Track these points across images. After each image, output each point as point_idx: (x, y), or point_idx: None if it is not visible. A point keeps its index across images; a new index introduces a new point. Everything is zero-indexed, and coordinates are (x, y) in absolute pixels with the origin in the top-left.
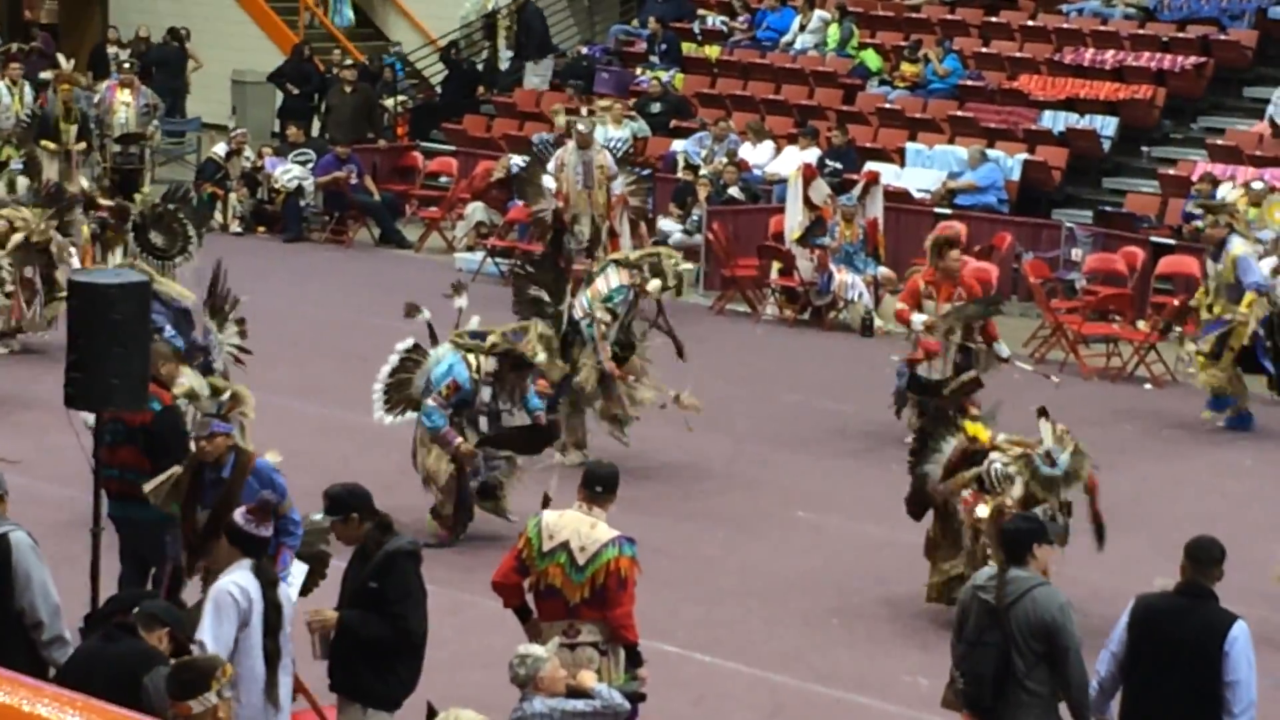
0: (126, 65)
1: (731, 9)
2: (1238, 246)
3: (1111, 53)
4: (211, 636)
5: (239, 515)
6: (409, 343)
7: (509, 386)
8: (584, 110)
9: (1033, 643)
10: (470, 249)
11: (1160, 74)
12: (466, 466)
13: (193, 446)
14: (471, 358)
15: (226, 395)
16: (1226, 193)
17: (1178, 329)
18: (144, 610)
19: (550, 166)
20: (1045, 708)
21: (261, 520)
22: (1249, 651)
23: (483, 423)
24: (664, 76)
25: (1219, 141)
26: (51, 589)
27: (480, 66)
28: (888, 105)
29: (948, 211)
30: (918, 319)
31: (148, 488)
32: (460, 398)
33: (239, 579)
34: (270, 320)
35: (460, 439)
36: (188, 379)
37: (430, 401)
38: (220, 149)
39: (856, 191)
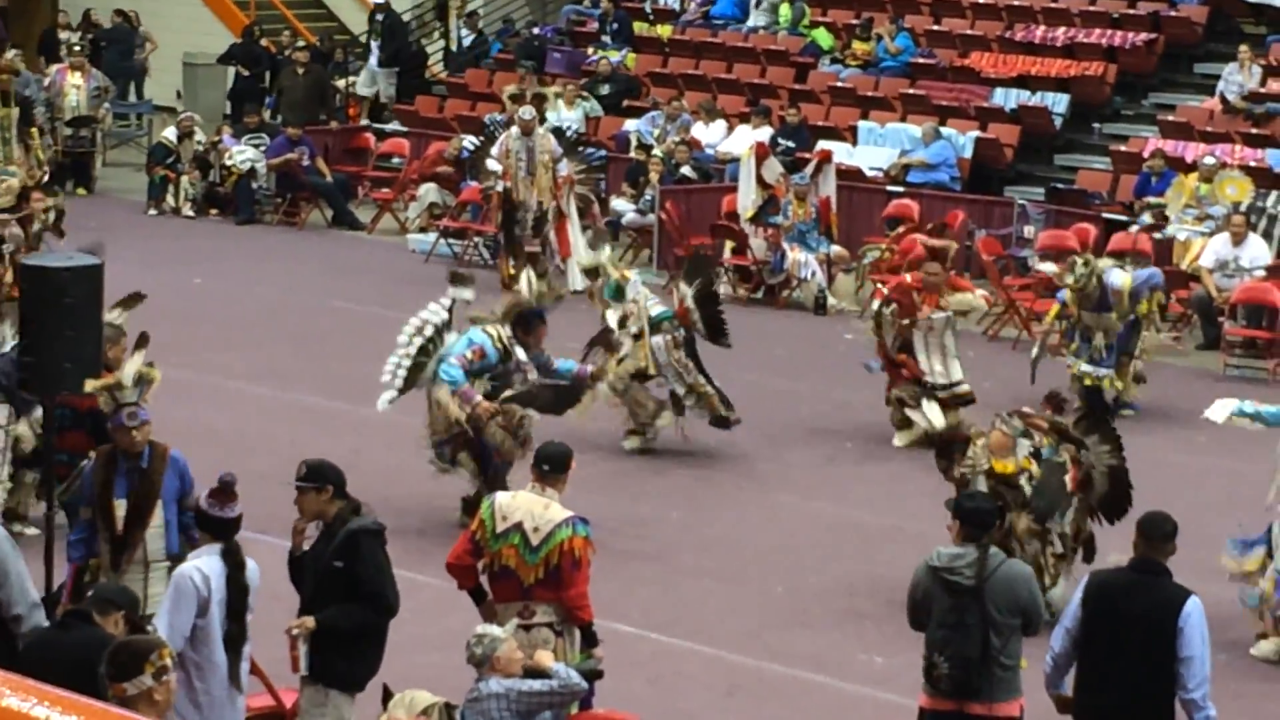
0: (77, 48)
1: None
2: (1118, 276)
3: (1062, 29)
4: (167, 624)
5: (203, 500)
6: (441, 318)
7: (529, 348)
8: (528, 95)
9: (1009, 618)
10: (423, 230)
11: (1111, 50)
12: (485, 425)
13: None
14: (490, 329)
15: (155, 383)
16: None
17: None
18: (98, 595)
19: (495, 150)
20: (1014, 680)
21: (226, 501)
22: (1203, 627)
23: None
24: (615, 56)
25: (1170, 118)
26: (29, 584)
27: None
28: (839, 84)
29: (900, 189)
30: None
31: (59, 491)
32: (484, 365)
33: (203, 565)
34: (222, 303)
35: (479, 397)
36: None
37: (452, 360)
38: (170, 133)
39: (809, 170)
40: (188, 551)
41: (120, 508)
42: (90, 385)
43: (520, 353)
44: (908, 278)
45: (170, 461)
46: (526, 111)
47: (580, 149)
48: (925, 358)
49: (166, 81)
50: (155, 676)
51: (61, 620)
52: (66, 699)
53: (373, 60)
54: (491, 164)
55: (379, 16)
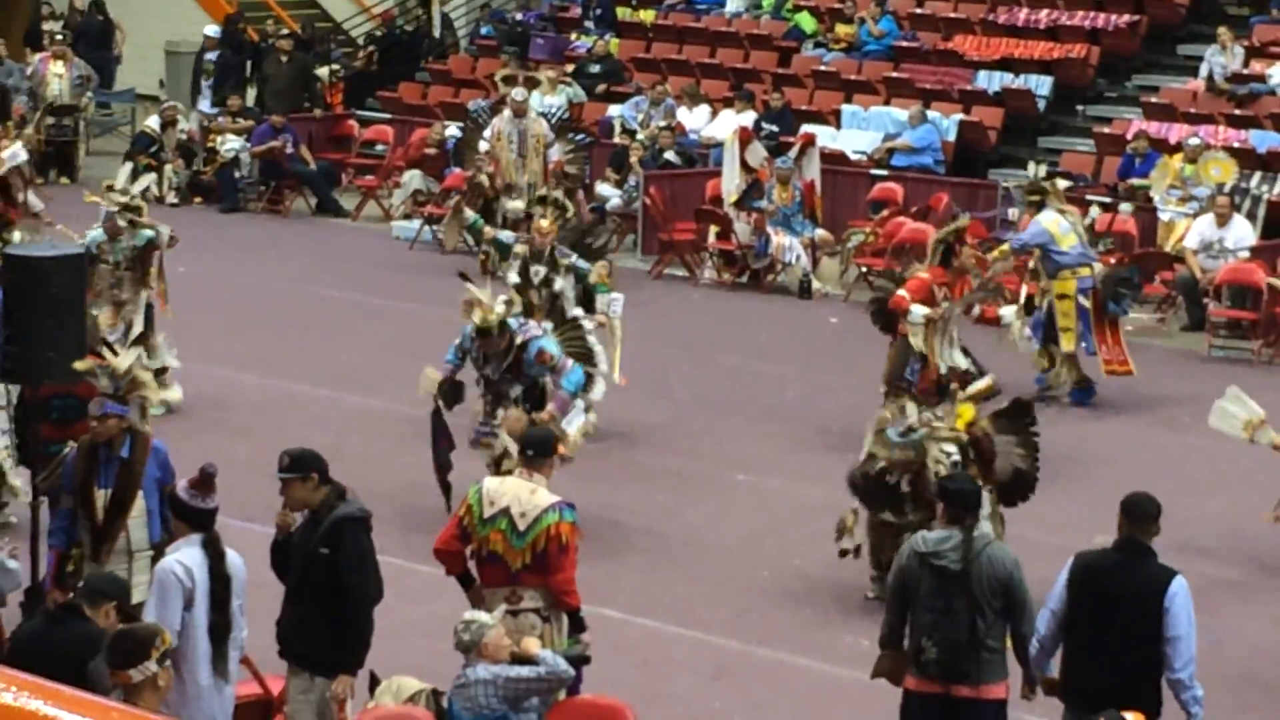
0: (59, 37)
1: None
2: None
3: (1045, 12)
4: (155, 620)
5: (181, 489)
6: None
7: (491, 357)
8: (520, 77)
9: (993, 600)
10: (407, 217)
11: (1094, 32)
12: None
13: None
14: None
15: (127, 377)
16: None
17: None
18: (88, 586)
19: (486, 133)
20: (1002, 663)
21: (205, 492)
22: (1189, 607)
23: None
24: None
25: (1153, 99)
26: None
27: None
28: (823, 67)
29: (884, 173)
30: (919, 311)
31: (39, 479)
32: (462, 346)
33: (184, 557)
34: (207, 290)
35: (447, 375)
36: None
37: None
38: (153, 122)
39: (793, 154)
40: (167, 541)
41: (102, 497)
42: (80, 365)
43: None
44: (924, 274)
45: (153, 451)
46: (519, 93)
47: (568, 132)
48: (940, 351)
49: (149, 70)
50: (159, 662)
51: (52, 614)
52: (61, 693)
53: (204, 104)
54: (483, 144)
55: (211, 56)
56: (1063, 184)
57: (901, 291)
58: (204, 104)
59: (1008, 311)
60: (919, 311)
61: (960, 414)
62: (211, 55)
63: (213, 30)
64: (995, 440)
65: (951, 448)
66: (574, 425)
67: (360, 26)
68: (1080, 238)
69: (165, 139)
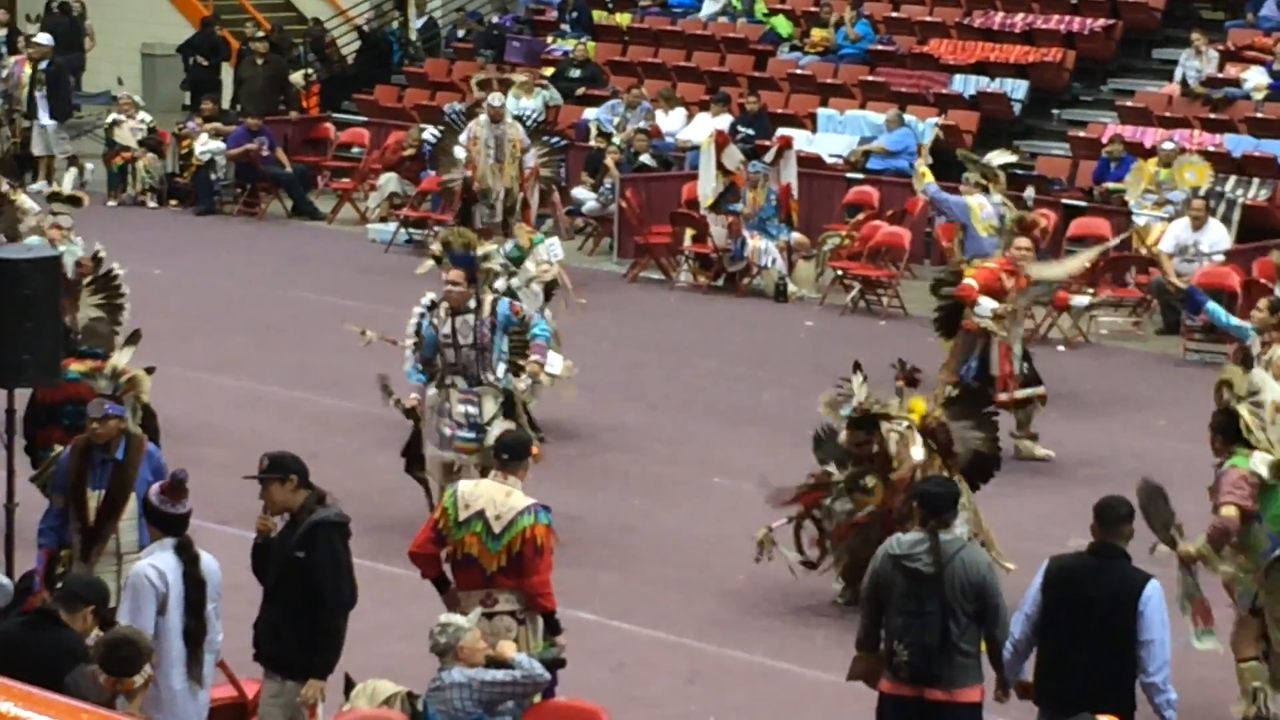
0: (37, 40)
1: None
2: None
3: (1021, 15)
4: (128, 623)
5: (153, 495)
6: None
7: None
8: (495, 82)
9: (966, 604)
10: (383, 220)
11: (1070, 36)
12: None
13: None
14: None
15: (124, 377)
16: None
17: (1090, 290)
18: (65, 590)
19: (463, 138)
20: (976, 667)
21: (176, 498)
22: (1163, 610)
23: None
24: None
25: (1128, 103)
26: None
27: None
28: (799, 71)
29: (860, 176)
30: (986, 305)
31: (32, 477)
32: (428, 346)
33: (158, 561)
34: (183, 293)
35: (416, 397)
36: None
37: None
38: (114, 118)
39: (769, 157)
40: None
41: (94, 499)
42: (76, 367)
43: (446, 326)
44: (991, 264)
45: (146, 455)
46: (496, 98)
47: (544, 136)
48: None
49: (126, 72)
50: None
51: (30, 619)
52: (32, 695)
53: (43, 115)
54: (458, 150)
55: (44, 65)
56: (1005, 158)
57: (969, 280)
58: (43, 116)
59: (1081, 300)
60: (987, 305)
61: (912, 408)
62: (44, 65)
63: (46, 39)
64: (951, 427)
65: (903, 424)
66: (557, 366)
67: (336, 29)
68: (996, 232)
69: (123, 135)
